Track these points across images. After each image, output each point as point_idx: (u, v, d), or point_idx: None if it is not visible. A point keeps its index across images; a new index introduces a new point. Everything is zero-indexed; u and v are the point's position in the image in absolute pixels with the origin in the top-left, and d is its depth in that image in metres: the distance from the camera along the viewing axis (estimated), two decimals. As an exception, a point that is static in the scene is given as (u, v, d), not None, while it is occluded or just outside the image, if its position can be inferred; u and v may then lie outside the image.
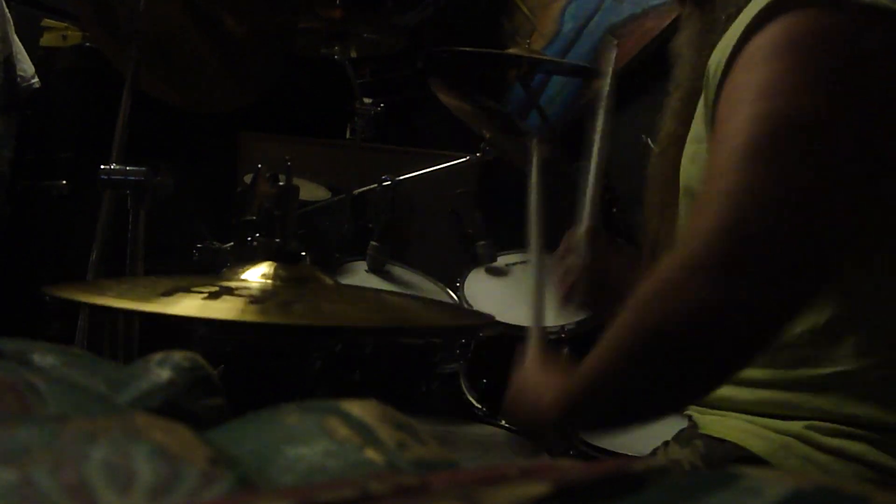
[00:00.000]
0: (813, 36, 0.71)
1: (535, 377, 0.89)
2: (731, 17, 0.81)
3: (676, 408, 0.88)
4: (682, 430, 0.98)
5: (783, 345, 0.82)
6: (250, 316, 0.80)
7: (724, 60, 0.77)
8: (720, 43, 0.80)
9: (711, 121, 0.79)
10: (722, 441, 0.88)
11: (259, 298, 0.85)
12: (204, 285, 0.86)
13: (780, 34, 0.72)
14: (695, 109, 0.88)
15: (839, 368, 0.80)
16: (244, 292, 0.86)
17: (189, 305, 0.80)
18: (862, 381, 0.80)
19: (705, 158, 0.81)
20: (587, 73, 2.59)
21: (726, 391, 0.86)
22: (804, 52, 0.71)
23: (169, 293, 0.82)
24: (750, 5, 0.77)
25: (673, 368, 0.70)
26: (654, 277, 0.71)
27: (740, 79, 0.74)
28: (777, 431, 0.84)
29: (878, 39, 0.71)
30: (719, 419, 0.90)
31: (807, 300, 0.72)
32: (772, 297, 0.67)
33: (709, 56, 0.82)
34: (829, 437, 0.81)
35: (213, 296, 0.82)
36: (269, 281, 0.93)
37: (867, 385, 0.80)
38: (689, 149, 0.89)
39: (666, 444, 0.98)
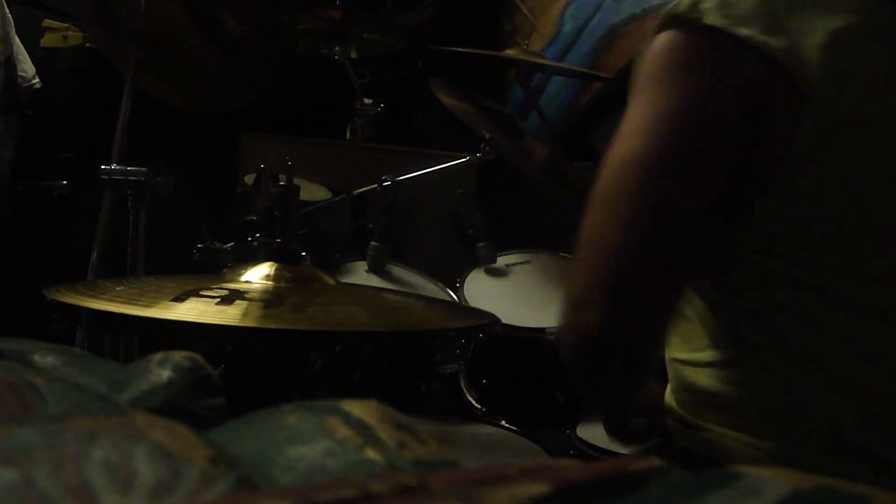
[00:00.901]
0: (672, 65, 0.75)
1: None
2: None
3: (608, 406, 0.97)
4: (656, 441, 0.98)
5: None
6: (267, 322, 0.80)
7: None
8: None
9: None
10: (724, 468, 0.87)
11: (274, 303, 0.85)
12: (211, 288, 0.86)
13: (647, 61, 0.77)
14: None
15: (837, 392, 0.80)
16: (256, 296, 0.86)
17: (202, 311, 0.80)
18: (859, 403, 0.80)
19: None
20: (585, 75, 2.59)
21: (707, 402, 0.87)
22: (652, 85, 0.76)
23: (180, 298, 0.82)
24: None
25: (587, 380, 0.82)
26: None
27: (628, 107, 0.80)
28: (751, 447, 0.84)
29: (741, 72, 0.73)
30: (691, 431, 0.89)
31: (659, 327, 0.79)
32: (624, 329, 0.75)
33: None
34: (827, 459, 0.80)
35: (226, 300, 0.82)
36: (272, 282, 0.93)
37: (863, 407, 0.80)
38: None
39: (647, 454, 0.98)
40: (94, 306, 0.81)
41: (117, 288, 0.90)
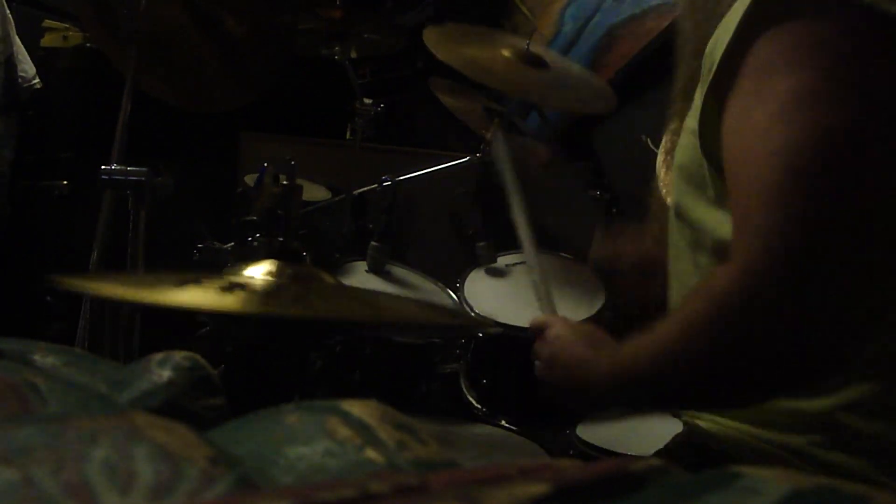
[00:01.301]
0: (829, 45, 0.69)
1: (576, 348, 0.89)
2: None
3: (719, 408, 0.88)
4: (675, 437, 0.98)
5: None
6: (264, 307, 0.80)
7: (721, 52, 0.75)
8: (716, 33, 0.78)
9: (708, 114, 0.78)
10: (717, 454, 0.87)
11: (271, 291, 0.85)
12: (213, 279, 0.86)
13: (785, 44, 0.70)
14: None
15: (846, 386, 0.79)
16: (255, 286, 0.86)
17: (201, 296, 0.80)
18: (868, 398, 0.78)
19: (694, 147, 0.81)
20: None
21: None
22: (825, 64, 0.69)
23: (180, 284, 0.82)
24: None
25: (739, 369, 0.71)
26: (710, 295, 0.71)
27: (755, 94, 0.72)
28: (775, 445, 0.82)
29: (882, 46, 0.69)
30: (715, 429, 0.89)
31: (865, 332, 0.71)
32: (839, 329, 0.67)
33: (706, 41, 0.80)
34: (830, 453, 0.79)
35: (226, 289, 0.82)
36: (273, 279, 0.93)
37: (873, 402, 0.79)
38: (684, 135, 0.87)
39: (659, 452, 0.97)
40: (94, 291, 0.80)
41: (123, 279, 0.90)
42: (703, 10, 0.89)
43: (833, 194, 0.67)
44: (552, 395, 0.92)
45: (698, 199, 0.84)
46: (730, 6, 0.78)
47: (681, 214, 0.88)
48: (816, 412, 0.80)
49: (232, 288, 0.83)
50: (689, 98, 0.88)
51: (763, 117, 0.70)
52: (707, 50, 0.79)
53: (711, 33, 0.80)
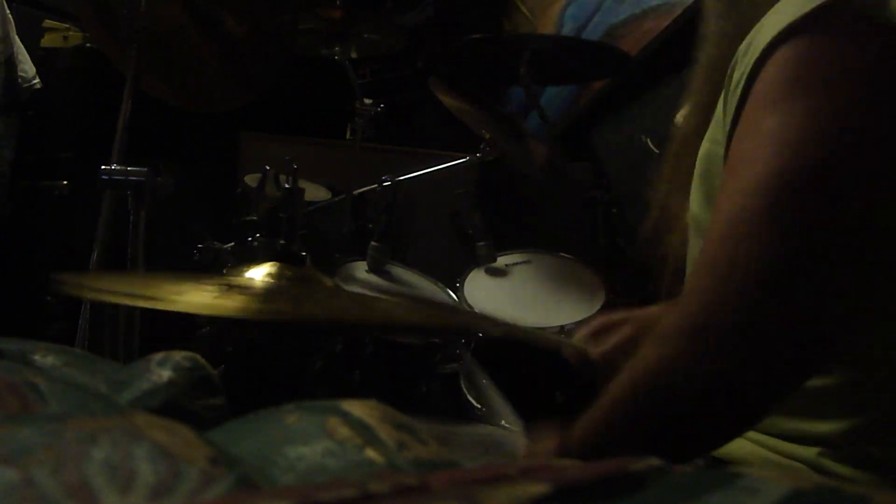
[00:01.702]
0: (823, 69, 0.67)
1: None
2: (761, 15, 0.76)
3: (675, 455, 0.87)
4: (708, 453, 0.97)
5: None
6: (258, 308, 0.80)
7: (746, 74, 0.72)
8: (744, 48, 0.76)
9: (727, 140, 0.76)
10: (726, 462, 0.85)
11: (267, 294, 0.85)
12: (212, 282, 0.86)
13: (789, 66, 0.68)
14: (711, 116, 0.84)
15: (850, 378, 0.77)
16: (252, 290, 0.86)
17: (199, 301, 0.80)
18: (881, 427, 0.77)
19: (720, 164, 0.78)
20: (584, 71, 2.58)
21: None
22: (813, 93, 0.66)
23: (178, 286, 0.82)
24: (778, 8, 0.71)
25: (673, 434, 0.69)
26: (656, 342, 0.69)
27: (750, 121, 0.70)
28: (786, 456, 0.81)
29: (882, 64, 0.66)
30: None
31: (816, 368, 0.70)
32: (779, 371, 0.66)
33: (732, 52, 0.78)
34: (839, 466, 0.77)
35: (223, 292, 0.82)
36: (273, 280, 0.93)
37: (886, 431, 0.77)
38: (703, 147, 0.85)
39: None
40: (94, 295, 0.81)
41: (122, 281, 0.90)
42: (729, 34, 0.86)
43: (792, 238, 0.65)
44: None
45: (707, 211, 0.83)
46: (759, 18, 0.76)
47: (696, 226, 0.86)
48: (826, 433, 0.78)
49: (231, 290, 0.83)
50: (704, 112, 0.87)
51: (750, 146, 0.69)
52: (732, 67, 0.77)
53: (731, 51, 0.79)
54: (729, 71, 0.77)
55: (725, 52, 0.84)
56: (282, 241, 1.06)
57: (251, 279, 0.92)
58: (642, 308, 1.05)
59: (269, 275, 0.93)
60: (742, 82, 0.73)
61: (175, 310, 0.77)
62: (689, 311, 0.67)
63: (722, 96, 0.79)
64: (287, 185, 1.25)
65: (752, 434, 0.84)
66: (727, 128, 0.76)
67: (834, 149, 0.66)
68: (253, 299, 0.82)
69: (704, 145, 0.85)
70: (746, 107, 0.71)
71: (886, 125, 0.66)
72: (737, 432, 0.74)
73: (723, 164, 0.78)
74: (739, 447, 0.85)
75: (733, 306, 0.64)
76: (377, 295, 1.38)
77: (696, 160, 0.88)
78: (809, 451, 0.79)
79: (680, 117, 1.01)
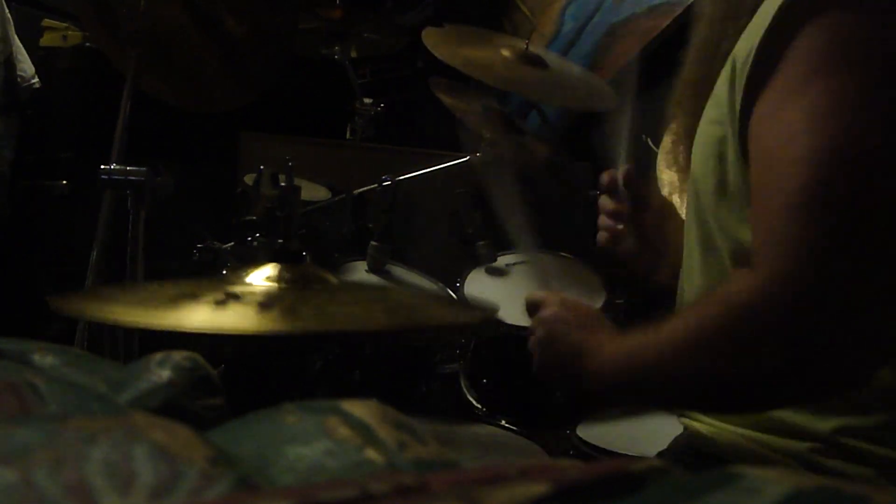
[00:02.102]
0: (866, 44, 0.67)
1: (575, 331, 0.85)
2: (759, 4, 0.76)
3: (720, 412, 0.87)
4: (676, 439, 0.97)
5: None
6: (259, 324, 0.80)
7: (754, 50, 0.72)
8: (749, 28, 0.76)
9: (741, 118, 0.75)
10: (717, 458, 0.85)
11: (267, 304, 0.85)
12: (210, 291, 0.85)
13: (825, 40, 0.68)
14: (704, 101, 0.84)
15: (853, 412, 0.77)
16: (251, 298, 0.85)
17: (197, 317, 0.79)
18: (877, 427, 0.77)
19: (728, 144, 0.78)
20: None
21: None
22: (860, 66, 0.67)
23: (175, 301, 0.82)
24: None
25: (750, 376, 0.69)
26: (728, 302, 0.69)
27: (789, 92, 0.69)
28: (776, 451, 0.81)
29: None
30: (716, 433, 0.87)
31: (885, 351, 0.70)
32: (861, 344, 0.66)
33: (728, 47, 0.78)
34: (832, 461, 0.78)
35: (220, 304, 0.82)
36: (274, 283, 0.93)
37: (882, 431, 0.77)
38: (703, 130, 0.85)
39: (660, 454, 0.96)
40: (90, 313, 0.80)
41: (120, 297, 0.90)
42: (722, 15, 0.86)
43: (862, 208, 0.65)
44: (545, 377, 0.88)
45: (718, 194, 0.82)
46: (751, 11, 0.77)
47: (698, 211, 0.86)
48: (819, 430, 0.78)
49: (228, 300, 0.82)
50: (698, 97, 0.86)
51: (794, 119, 0.68)
52: (737, 48, 0.76)
53: (726, 38, 0.79)
54: (732, 53, 0.77)
55: (717, 33, 0.84)
56: (280, 241, 1.05)
57: (251, 286, 0.91)
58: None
59: (269, 277, 0.92)
60: (750, 60, 0.72)
61: (173, 329, 0.77)
62: (772, 281, 0.66)
63: (726, 75, 0.78)
64: (283, 184, 1.25)
65: (741, 430, 0.84)
66: (737, 105, 0.75)
67: (891, 120, 0.66)
68: (255, 312, 0.82)
69: (705, 127, 0.84)
70: (781, 76, 0.70)
71: None
72: (809, 392, 0.73)
73: (736, 139, 0.77)
74: (730, 442, 0.85)
75: (821, 275, 0.64)
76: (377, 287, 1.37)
77: (690, 139, 0.87)
78: (800, 446, 0.79)
79: (671, 107, 1.00)
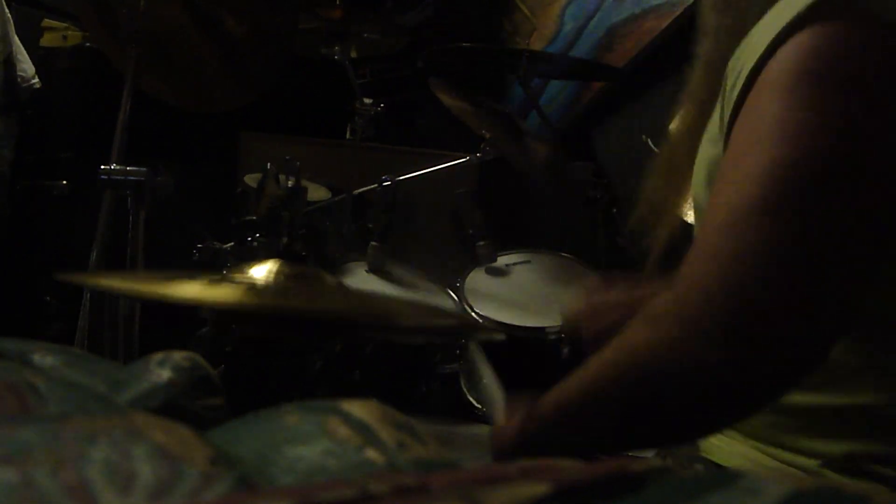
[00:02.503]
0: (833, 61, 0.66)
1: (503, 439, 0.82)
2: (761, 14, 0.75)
3: (638, 448, 0.85)
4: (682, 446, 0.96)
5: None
6: (249, 300, 0.80)
7: (745, 71, 0.71)
8: (743, 45, 0.75)
9: (725, 138, 0.75)
10: (725, 468, 0.84)
11: (259, 287, 0.86)
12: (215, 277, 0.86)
13: (799, 57, 0.67)
14: (708, 113, 0.83)
15: (857, 401, 0.76)
16: (260, 283, 0.86)
17: (190, 290, 0.80)
18: (879, 416, 0.76)
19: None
20: (585, 73, 2.59)
21: None
22: (822, 84, 0.66)
23: (171, 278, 0.83)
24: (779, 5, 0.71)
25: (652, 419, 0.68)
26: (647, 324, 0.68)
27: (755, 109, 0.69)
28: (783, 462, 0.80)
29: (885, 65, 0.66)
30: (726, 443, 0.86)
31: (812, 367, 0.67)
32: (776, 367, 0.64)
33: (730, 48, 0.77)
34: (843, 477, 0.76)
35: (214, 281, 0.83)
36: (273, 276, 0.93)
37: (890, 422, 0.76)
38: (702, 149, 0.84)
39: (664, 458, 0.95)
40: (90, 281, 0.81)
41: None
42: (728, 30, 0.85)
43: (796, 230, 0.64)
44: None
45: None
46: (754, 22, 0.76)
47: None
48: (827, 452, 0.77)
49: (223, 280, 0.83)
50: (701, 109, 0.86)
51: (743, 141, 0.68)
52: (729, 67, 0.76)
53: (732, 53, 0.78)
54: (727, 70, 0.76)
55: (723, 48, 0.83)
56: (284, 239, 1.06)
57: (252, 275, 0.92)
58: (633, 287, 1.04)
59: (271, 271, 0.93)
60: (741, 80, 0.72)
61: (172, 299, 0.77)
62: (686, 298, 0.65)
63: (720, 95, 0.78)
64: (290, 184, 1.25)
65: (751, 441, 0.84)
66: (725, 127, 0.75)
67: (840, 139, 0.65)
68: (259, 292, 0.83)
69: (706, 147, 0.84)
70: (750, 96, 0.70)
71: (888, 124, 0.66)
72: (718, 426, 0.72)
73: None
74: (739, 452, 0.84)
75: (736, 296, 0.62)
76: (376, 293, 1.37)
77: (690, 157, 0.87)
78: (810, 462, 0.78)
79: (674, 122, 1.00)
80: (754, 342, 0.62)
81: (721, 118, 0.77)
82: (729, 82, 0.75)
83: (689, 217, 1.06)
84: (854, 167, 0.65)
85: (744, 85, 0.71)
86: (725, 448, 0.86)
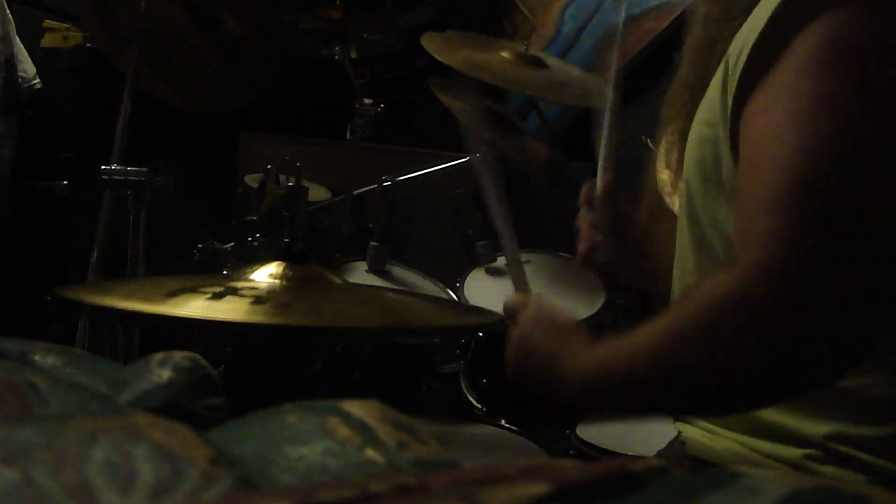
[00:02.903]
0: (860, 44, 0.67)
1: (550, 338, 0.83)
2: (752, 5, 0.76)
3: (707, 415, 0.86)
4: (670, 444, 0.96)
5: None
6: (253, 317, 0.80)
7: (747, 49, 0.72)
8: (743, 29, 0.76)
9: (733, 118, 0.75)
10: (711, 465, 0.84)
11: (262, 299, 0.85)
12: (211, 286, 0.86)
13: (817, 41, 0.68)
14: (698, 97, 0.83)
15: (838, 383, 0.76)
16: (248, 293, 0.86)
17: (193, 306, 0.80)
18: (863, 402, 0.77)
19: (721, 145, 0.78)
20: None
21: None
22: (852, 65, 0.67)
23: (174, 294, 0.82)
24: None
25: (723, 384, 0.69)
26: (710, 309, 0.68)
27: (784, 86, 0.69)
28: (768, 456, 0.80)
29: None
30: (710, 438, 0.86)
31: (875, 337, 0.69)
32: (839, 339, 0.65)
33: (723, 48, 0.78)
34: (825, 467, 0.77)
35: (218, 296, 0.82)
36: (276, 281, 0.93)
37: (868, 408, 0.77)
38: (695, 131, 0.84)
39: (658, 455, 0.96)
40: (90, 300, 0.81)
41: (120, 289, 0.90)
42: (717, 16, 0.86)
43: (845, 204, 0.65)
44: (520, 385, 0.85)
45: (713, 196, 0.81)
46: (745, 12, 0.77)
47: (691, 212, 0.85)
48: (812, 434, 0.78)
49: (224, 295, 0.82)
50: (693, 99, 0.86)
51: (782, 116, 0.68)
52: (731, 50, 0.76)
53: (721, 39, 0.78)
54: (727, 53, 0.76)
55: (712, 35, 0.84)
56: (285, 240, 1.06)
57: (252, 282, 0.92)
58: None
59: (272, 275, 0.93)
60: (743, 58, 0.72)
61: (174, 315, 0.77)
62: (749, 278, 0.65)
63: (719, 77, 0.78)
64: (290, 184, 1.25)
65: (735, 435, 0.83)
66: (729, 106, 0.75)
67: (884, 110, 0.66)
68: (250, 305, 0.82)
69: (697, 129, 0.84)
70: (774, 72, 0.70)
71: None
72: (781, 397, 0.72)
73: (728, 140, 0.77)
74: (724, 448, 0.84)
75: (799, 275, 0.64)
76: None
77: (682, 140, 0.87)
78: (794, 453, 0.79)
79: (664, 109, 1.00)
80: (820, 318, 0.63)
81: (724, 100, 0.77)
82: (731, 62, 0.75)
83: (675, 206, 1.07)
84: (885, 144, 0.66)
85: (749, 61, 0.72)
86: (709, 444, 0.86)
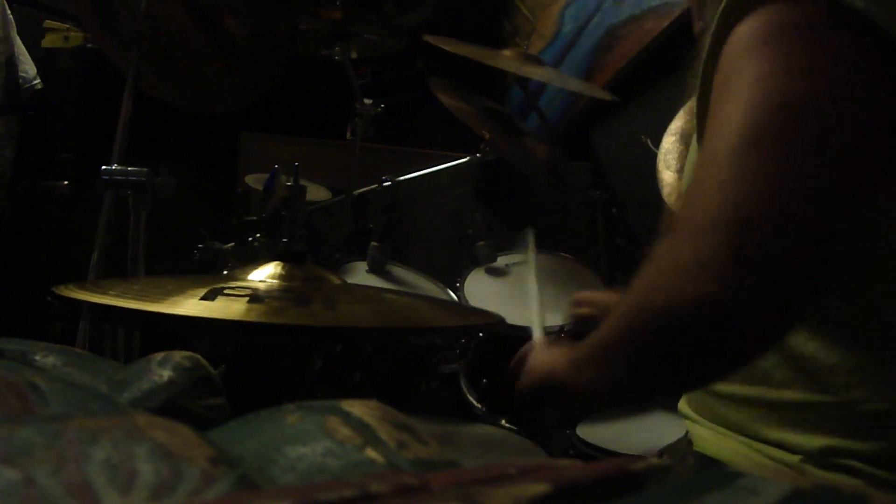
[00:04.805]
0: (801, 26, 0.69)
1: (544, 355, 0.87)
2: None
3: (673, 391, 0.89)
4: (678, 441, 0.97)
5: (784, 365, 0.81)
6: (251, 316, 0.80)
7: (703, 57, 0.75)
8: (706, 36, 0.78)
9: (698, 107, 0.77)
10: (715, 461, 0.86)
11: (259, 298, 0.85)
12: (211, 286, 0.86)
13: (766, 23, 0.70)
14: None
15: (835, 398, 0.78)
16: (244, 293, 0.86)
17: (190, 306, 0.80)
18: (855, 416, 0.77)
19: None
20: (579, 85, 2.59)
21: (725, 409, 0.86)
22: (797, 40, 0.69)
23: (173, 293, 0.82)
24: None
25: (673, 354, 0.70)
26: (658, 264, 0.70)
27: (729, 68, 0.72)
28: (772, 459, 0.82)
29: (849, 42, 0.68)
30: (716, 436, 0.88)
31: (815, 294, 0.70)
32: (781, 290, 0.65)
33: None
34: (825, 473, 0.78)
35: (210, 295, 0.82)
36: (276, 281, 0.93)
37: (860, 422, 0.77)
38: (693, 145, 0.87)
39: (660, 455, 0.96)
40: (99, 301, 0.81)
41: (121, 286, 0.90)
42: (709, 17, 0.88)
43: (786, 162, 0.66)
44: (528, 405, 0.89)
45: None
46: None
47: None
48: (809, 447, 0.79)
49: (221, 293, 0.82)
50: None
51: (720, 95, 0.71)
52: (702, 41, 0.79)
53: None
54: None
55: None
56: (284, 240, 1.06)
57: (251, 282, 0.92)
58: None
59: (272, 275, 0.93)
60: (704, 51, 0.75)
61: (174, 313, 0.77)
62: (688, 235, 0.67)
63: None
64: (289, 184, 1.25)
65: (740, 437, 0.85)
66: (695, 112, 0.78)
67: (804, 78, 0.67)
68: (247, 304, 0.82)
69: (695, 143, 0.86)
70: (721, 62, 0.73)
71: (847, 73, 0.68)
72: (732, 364, 0.73)
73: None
74: (729, 447, 0.85)
75: (734, 225, 0.64)
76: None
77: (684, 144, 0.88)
78: (792, 458, 0.80)
79: (677, 120, 1.01)
80: (757, 269, 0.64)
81: (697, 110, 0.79)
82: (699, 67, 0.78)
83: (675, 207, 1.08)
84: (831, 102, 0.67)
85: (706, 60, 0.75)
86: (716, 442, 0.87)
